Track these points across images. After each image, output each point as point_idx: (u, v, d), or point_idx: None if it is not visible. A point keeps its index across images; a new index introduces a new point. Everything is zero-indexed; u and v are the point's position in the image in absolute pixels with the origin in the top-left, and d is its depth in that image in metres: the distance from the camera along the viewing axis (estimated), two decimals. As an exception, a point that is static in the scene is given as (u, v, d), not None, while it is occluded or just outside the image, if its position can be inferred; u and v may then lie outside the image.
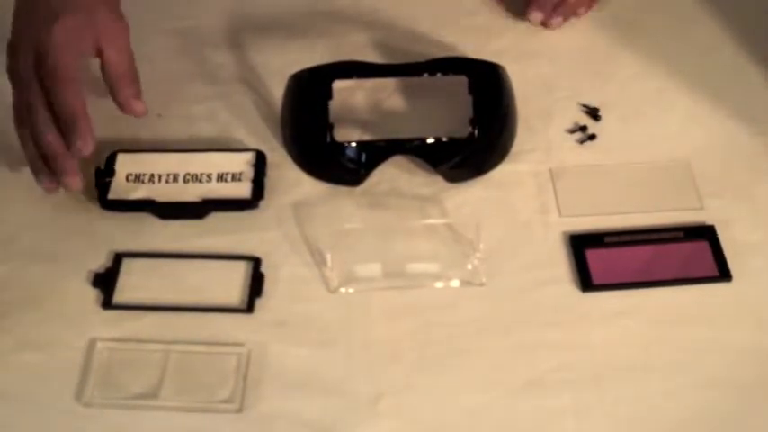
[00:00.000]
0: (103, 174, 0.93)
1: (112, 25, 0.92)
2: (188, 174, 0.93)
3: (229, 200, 0.92)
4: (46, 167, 0.88)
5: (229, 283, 0.87)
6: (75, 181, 0.87)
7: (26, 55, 0.89)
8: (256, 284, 0.87)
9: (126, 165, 0.94)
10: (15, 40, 0.91)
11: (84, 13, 0.90)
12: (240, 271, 0.88)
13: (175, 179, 0.93)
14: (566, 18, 1.10)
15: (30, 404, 0.80)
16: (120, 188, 0.92)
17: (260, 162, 0.94)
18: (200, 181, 0.93)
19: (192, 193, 0.92)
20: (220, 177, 0.93)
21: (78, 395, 0.81)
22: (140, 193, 0.92)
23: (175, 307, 0.86)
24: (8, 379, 0.82)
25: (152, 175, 0.93)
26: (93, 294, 0.87)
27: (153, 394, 0.81)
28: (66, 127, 0.86)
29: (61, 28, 0.88)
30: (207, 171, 0.93)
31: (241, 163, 0.94)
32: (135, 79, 0.93)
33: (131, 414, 0.80)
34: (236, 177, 0.93)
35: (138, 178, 0.93)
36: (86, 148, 0.86)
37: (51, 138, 0.86)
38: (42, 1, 0.91)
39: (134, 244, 0.90)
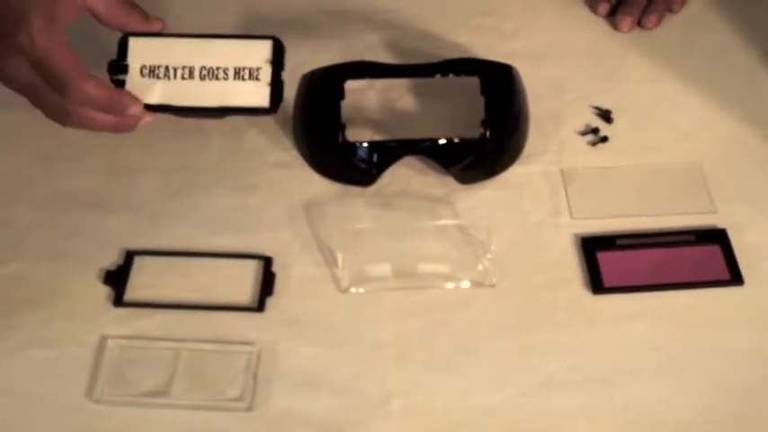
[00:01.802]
0: (117, 69, 0.89)
1: None
2: (204, 68, 0.89)
3: (247, 108, 0.88)
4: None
5: (240, 281, 0.88)
6: (143, 114, 0.87)
7: (18, 64, 0.84)
8: (267, 284, 0.87)
9: (139, 53, 0.89)
10: None
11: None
12: (251, 270, 0.88)
13: (191, 74, 0.89)
14: (661, 16, 1.10)
15: (40, 401, 0.81)
16: (135, 86, 0.88)
17: (277, 57, 0.89)
18: (217, 77, 0.89)
19: (210, 93, 0.88)
20: (237, 74, 0.89)
21: (89, 392, 0.81)
22: (156, 93, 0.88)
23: (186, 305, 0.86)
24: (19, 376, 0.82)
25: (167, 68, 0.89)
26: (104, 292, 0.87)
27: (163, 392, 0.81)
28: (111, 111, 0.85)
29: (33, 23, 0.83)
30: (223, 65, 0.89)
31: (258, 56, 0.89)
32: (137, 7, 0.89)
33: (142, 411, 0.80)
34: (253, 75, 0.89)
35: (152, 72, 0.89)
36: (137, 107, 0.86)
37: (106, 119, 0.86)
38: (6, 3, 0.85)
39: (145, 241, 0.90)
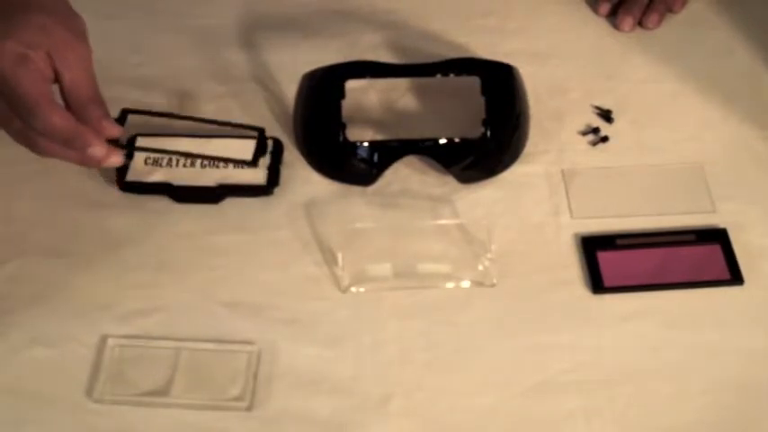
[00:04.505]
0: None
1: (69, 47, 0.82)
2: (205, 158, 0.93)
3: (245, 186, 0.92)
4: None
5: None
6: (107, 155, 0.81)
7: None
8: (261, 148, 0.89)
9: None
10: None
11: (36, 32, 0.81)
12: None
13: (192, 164, 0.94)
14: (662, 15, 1.10)
15: (41, 400, 0.81)
16: (138, 170, 0.93)
17: (277, 150, 0.95)
18: (217, 166, 0.94)
19: (209, 177, 0.93)
20: (237, 164, 0.93)
21: (89, 391, 0.81)
22: (158, 176, 0.93)
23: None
24: (19, 374, 0.82)
25: (170, 159, 0.94)
26: (104, 291, 0.87)
27: (163, 391, 0.81)
28: (72, 145, 0.80)
29: (10, 50, 0.79)
30: (224, 156, 0.93)
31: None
32: (99, 100, 0.83)
33: (142, 411, 0.80)
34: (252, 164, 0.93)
35: (156, 161, 0.94)
36: (102, 151, 0.81)
37: (70, 153, 0.81)
38: None
39: (146, 239, 0.90)
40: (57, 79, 0.82)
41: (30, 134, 0.80)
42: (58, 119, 0.79)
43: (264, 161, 0.94)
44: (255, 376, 0.81)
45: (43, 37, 0.81)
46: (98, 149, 0.81)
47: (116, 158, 0.82)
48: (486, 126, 0.93)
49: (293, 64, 1.01)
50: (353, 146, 0.94)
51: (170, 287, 0.87)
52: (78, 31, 0.84)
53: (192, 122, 0.94)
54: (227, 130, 0.97)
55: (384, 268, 0.88)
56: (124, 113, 0.91)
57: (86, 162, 0.82)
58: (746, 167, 0.96)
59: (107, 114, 0.83)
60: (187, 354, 0.83)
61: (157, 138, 0.95)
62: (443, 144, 0.93)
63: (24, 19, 0.81)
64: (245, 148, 0.94)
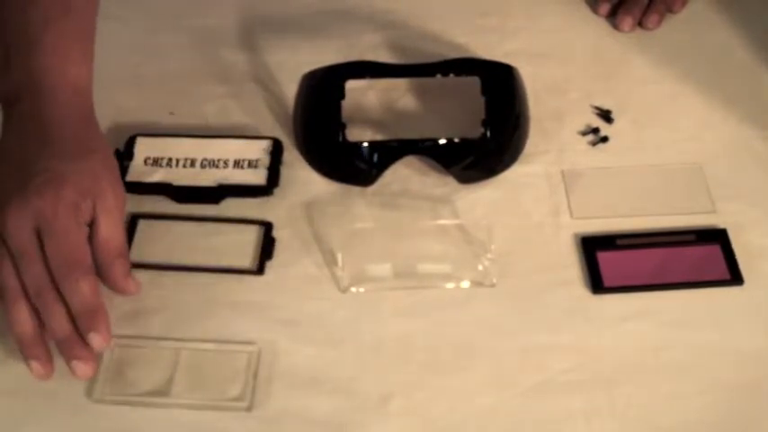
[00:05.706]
0: (122, 156, 0.94)
1: (112, 194, 0.84)
2: (205, 159, 0.94)
3: (245, 186, 0.92)
4: (42, 352, 0.80)
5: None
6: (88, 370, 0.79)
7: (23, 221, 0.79)
8: (267, 247, 0.89)
9: (145, 148, 0.95)
10: (5, 196, 0.81)
11: (88, 179, 0.83)
12: (253, 234, 0.90)
13: (192, 164, 0.94)
14: (662, 16, 1.10)
15: (40, 400, 0.81)
16: (137, 171, 0.93)
17: (277, 150, 0.95)
18: (217, 167, 0.94)
19: (209, 178, 0.93)
20: (237, 164, 0.94)
21: (89, 392, 0.81)
22: (158, 176, 0.93)
23: (188, 267, 0.88)
24: (19, 375, 0.82)
25: (170, 159, 0.94)
26: (103, 290, 0.87)
27: (163, 392, 0.81)
28: (81, 319, 0.79)
29: (66, 198, 0.80)
30: (224, 157, 0.94)
31: (258, 150, 0.95)
32: (126, 255, 0.85)
33: (142, 411, 0.80)
34: (252, 164, 0.94)
35: (156, 162, 0.94)
36: (103, 343, 0.79)
37: (66, 325, 0.79)
38: (40, 154, 0.82)
39: (145, 239, 0.90)
40: (91, 223, 0.83)
41: (43, 284, 0.79)
42: (86, 286, 0.80)
43: (264, 161, 0.94)
44: (255, 376, 0.81)
45: (94, 184, 0.83)
46: (96, 339, 0.79)
47: (91, 369, 0.80)
48: (485, 126, 0.93)
49: (293, 64, 1.01)
50: (353, 146, 0.94)
51: (170, 287, 0.87)
52: (117, 175, 0.87)
53: (191, 128, 0.94)
54: (228, 131, 0.98)
55: (384, 268, 0.88)
56: (134, 137, 0.91)
57: (74, 349, 0.80)
58: (746, 167, 0.96)
59: (128, 272, 0.85)
60: (187, 354, 0.83)
61: (158, 138, 0.95)
62: (443, 144, 0.93)
63: (84, 166, 0.84)
64: (249, 149, 0.94)
